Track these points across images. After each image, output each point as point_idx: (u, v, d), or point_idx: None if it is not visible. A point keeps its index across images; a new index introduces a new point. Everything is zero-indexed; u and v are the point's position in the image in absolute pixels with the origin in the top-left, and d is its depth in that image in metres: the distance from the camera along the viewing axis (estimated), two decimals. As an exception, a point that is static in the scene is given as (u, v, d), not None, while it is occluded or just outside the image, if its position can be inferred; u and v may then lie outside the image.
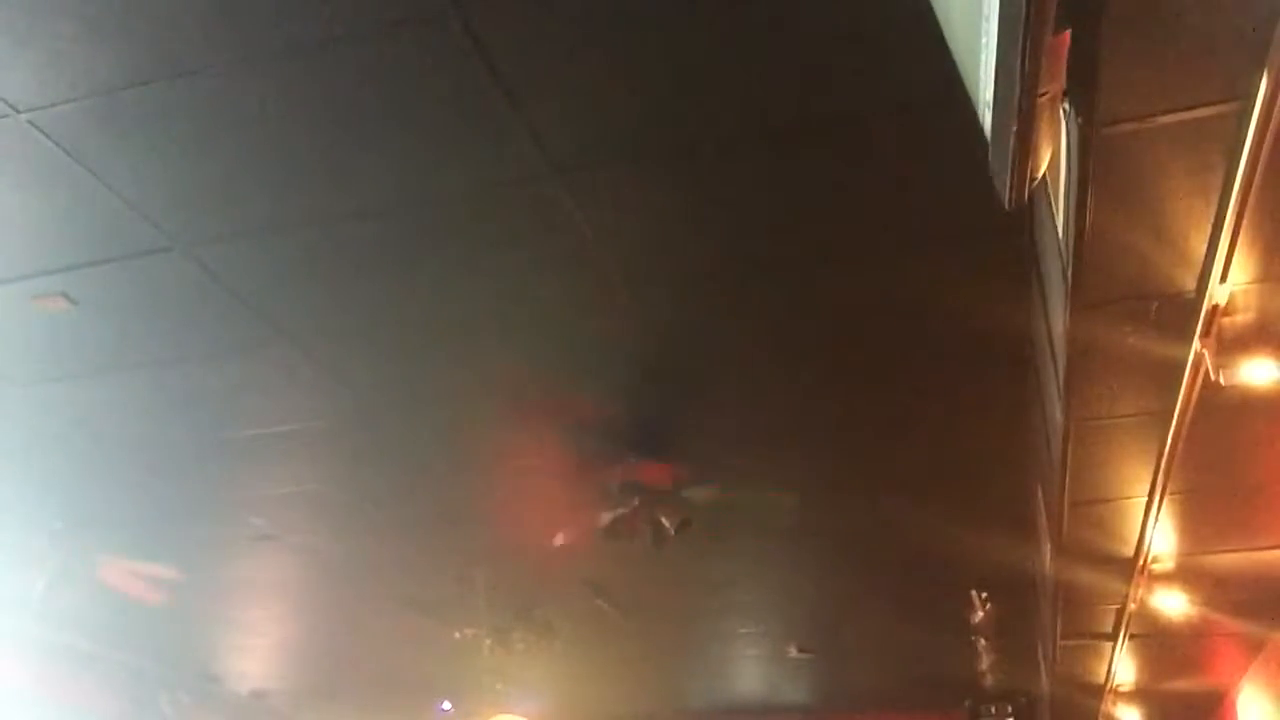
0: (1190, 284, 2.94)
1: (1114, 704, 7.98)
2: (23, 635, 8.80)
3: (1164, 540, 4.92)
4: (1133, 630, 6.20)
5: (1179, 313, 3.06)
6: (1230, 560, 5.14)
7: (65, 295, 4.62)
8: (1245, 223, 2.63)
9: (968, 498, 6.54)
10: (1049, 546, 5.71)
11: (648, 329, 4.95)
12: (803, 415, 5.79)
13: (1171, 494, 4.35)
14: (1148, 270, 2.91)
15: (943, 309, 4.61)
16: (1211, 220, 2.67)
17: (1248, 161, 2.43)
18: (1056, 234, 3.13)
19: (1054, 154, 2.35)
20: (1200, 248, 2.78)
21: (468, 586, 7.94)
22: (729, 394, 5.57)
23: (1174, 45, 2.18)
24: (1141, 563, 5.14)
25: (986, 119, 1.99)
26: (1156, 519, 4.61)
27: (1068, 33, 1.82)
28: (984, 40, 1.82)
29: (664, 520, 6.15)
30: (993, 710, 10.39)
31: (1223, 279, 2.88)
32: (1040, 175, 2.12)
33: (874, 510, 6.74)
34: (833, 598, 8.57)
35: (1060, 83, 1.91)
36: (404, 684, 10.73)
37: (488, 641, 8.66)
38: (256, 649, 10.22)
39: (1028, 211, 3.78)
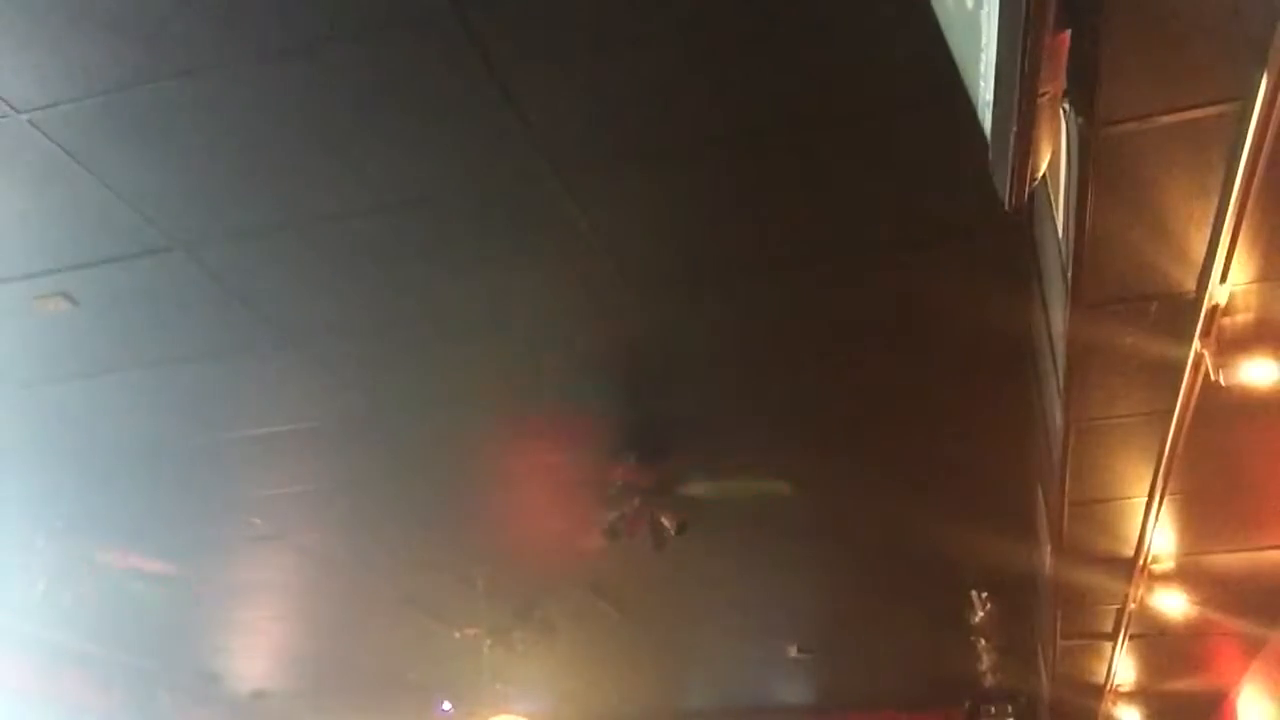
0: (1190, 284, 2.94)
1: (1114, 704, 7.98)
2: (23, 635, 8.80)
3: (1164, 540, 4.91)
4: (1133, 630, 6.20)
5: (1179, 313, 3.06)
6: (1230, 560, 5.14)
7: (65, 295, 4.62)
8: (1245, 223, 2.63)
9: (968, 498, 6.54)
10: (1049, 546, 5.71)
11: (648, 328, 4.95)
12: (802, 415, 5.79)
13: (1171, 494, 4.35)
14: (1148, 270, 2.91)
15: (943, 309, 4.61)
16: (1211, 220, 2.66)
17: (1248, 161, 2.43)
18: (1056, 234, 3.13)
19: (1054, 154, 2.35)
20: (1200, 248, 2.78)
21: (468, 586, 7.94)
22: (728, 394, 5.57)
23: (1174, 45, 2.18)
24: (1141, 563, 5.14)
25: (986, 119, 1.99)
26: (1156, 519, 4.61)
27: (1068, 33, 1.82)
28: (984, 40, 1.82)
29: (664, 520, 6.15)
30: (993, 710, 10.39)
31: (1223, 279, 2.88)
32: (1040, 175, 2.12)
33: (874, 510, 6.74)
34: (833, 598, 8.57)
35: (1060, 83, 1.90)
36: (404, 684, 10.72)
37: (488, 641, 8.66)
38: (256, 649, 10.22)
39: (1028, 211, 3.78)
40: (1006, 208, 2.09)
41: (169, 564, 7.38)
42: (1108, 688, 7.65)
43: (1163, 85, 2.28)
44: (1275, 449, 4.03)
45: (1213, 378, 3.19)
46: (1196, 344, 3.16)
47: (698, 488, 6.09)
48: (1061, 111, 2.30)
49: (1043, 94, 1.81)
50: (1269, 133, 2.34)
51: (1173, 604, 5.45)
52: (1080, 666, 7.42)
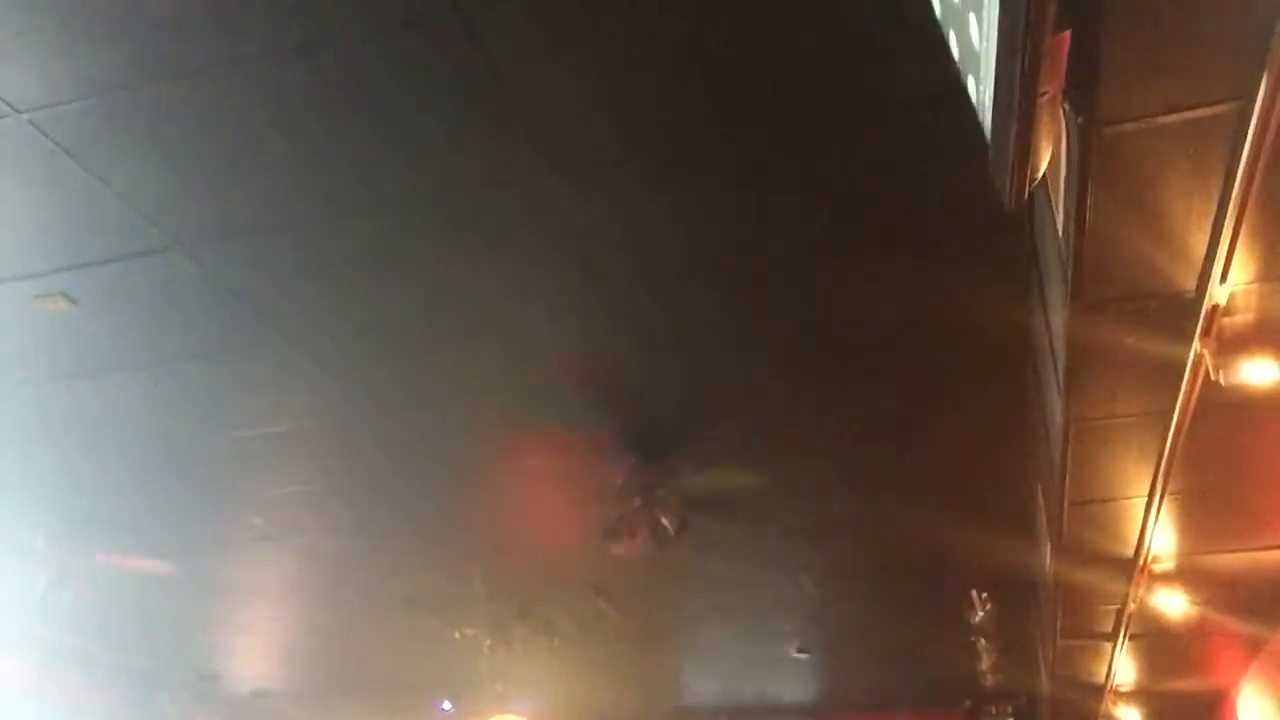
0: (1190, 284, 2.94)
1: (1114, 704, 7.97)
2: (23, 635, 8.81)
3: (1164, 540, 4.91)
4: (1133, 630, 6.20)
5: (1179, 313, 3.06)
6: (1230, 560, 5.14)
7: (65, 295, 4.62)
8: (1245, 223, 2.63)
9: (968, 497, 6.54)
10: (1049, 546, 5.71)
11: (648, 328, 4.95)
12: (802, 416, 5.79)
13: (1171, 494, 4.35)
14: (1148, 270, 2.91)
15: (943, 309, 4.61)
16: (1211, 220, 2.67)
17: (1248, 161, 2.43)
18: (1056, 234, 3.13)
19: (1054, 154, 2.35)
20: (1200, 248, 2.78)
21: (468, 586, 7.95)
22: (728, 394, 5.57)
23: (1174, 45, 2.18)
24: (1141, 563, 5.14)
25: (986, 119, 1.99)
26: (1156, 519, 4.61)
27: (1068, 33, 1.82)
28: (984, 41, 1.82)
29: (664, 520, 6.15)
30: (993, 710, 10.41)
31: (1223, 279, 2.88)
32: (1040, 175, 2.12)
33: (874, 510, 6.74)
34: (833, 598, 8.57)
35: (1060, 83, 1.90)
36: (404, 684, 10.73)
37: (488, 641, 8.67)
38: (256, 649, 10.23)
39: (1028, 211, 3.78)
40: (1006, 208, 2.09)
41: (168, 563, 7.37)
42: (1108, 688, 7.65)
43: (1163, 85, 2.28)
44: (1275, 449, 4.03)
45: (1213, 378, 3.20)
46: (1196, 344, 3.16)
47: (687, 486, 6.10)
48: (1061, 111, 2.30)
49: (1043, 94, 1.81)
50: (1269, 133, 2.34)
51: (1173, 604, 5.45)
52: (1080, 666, 7.41)
